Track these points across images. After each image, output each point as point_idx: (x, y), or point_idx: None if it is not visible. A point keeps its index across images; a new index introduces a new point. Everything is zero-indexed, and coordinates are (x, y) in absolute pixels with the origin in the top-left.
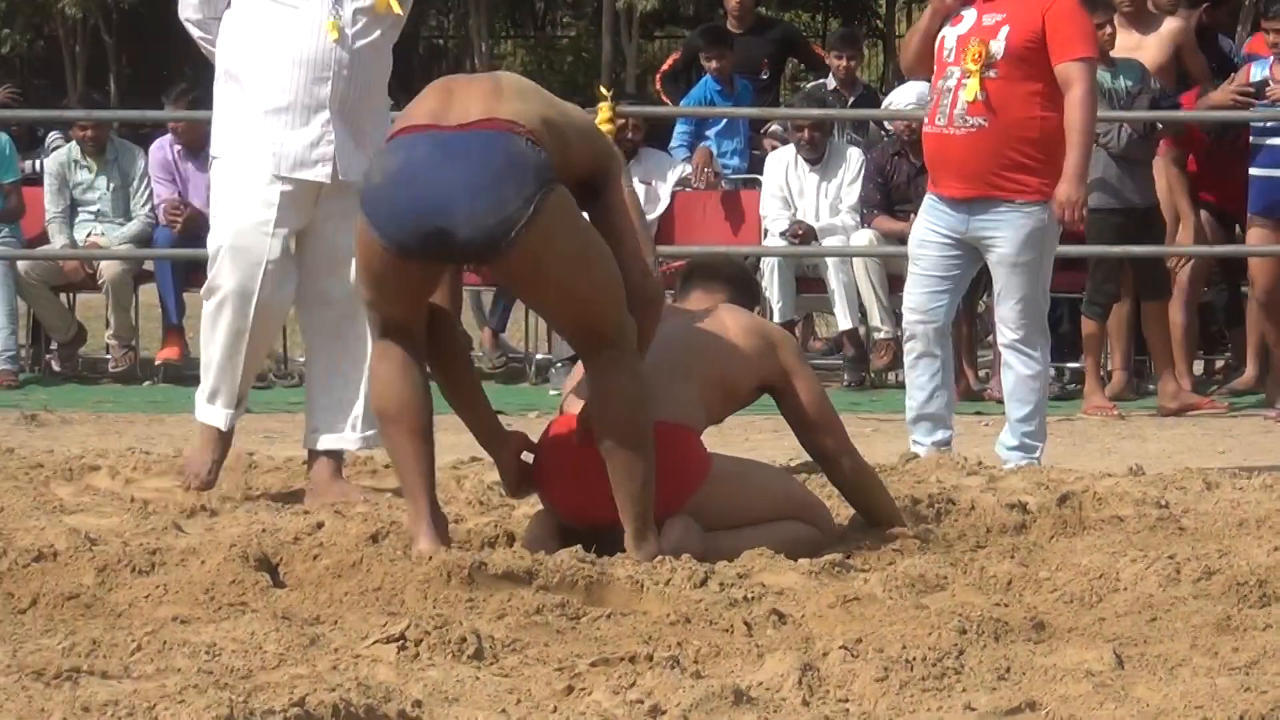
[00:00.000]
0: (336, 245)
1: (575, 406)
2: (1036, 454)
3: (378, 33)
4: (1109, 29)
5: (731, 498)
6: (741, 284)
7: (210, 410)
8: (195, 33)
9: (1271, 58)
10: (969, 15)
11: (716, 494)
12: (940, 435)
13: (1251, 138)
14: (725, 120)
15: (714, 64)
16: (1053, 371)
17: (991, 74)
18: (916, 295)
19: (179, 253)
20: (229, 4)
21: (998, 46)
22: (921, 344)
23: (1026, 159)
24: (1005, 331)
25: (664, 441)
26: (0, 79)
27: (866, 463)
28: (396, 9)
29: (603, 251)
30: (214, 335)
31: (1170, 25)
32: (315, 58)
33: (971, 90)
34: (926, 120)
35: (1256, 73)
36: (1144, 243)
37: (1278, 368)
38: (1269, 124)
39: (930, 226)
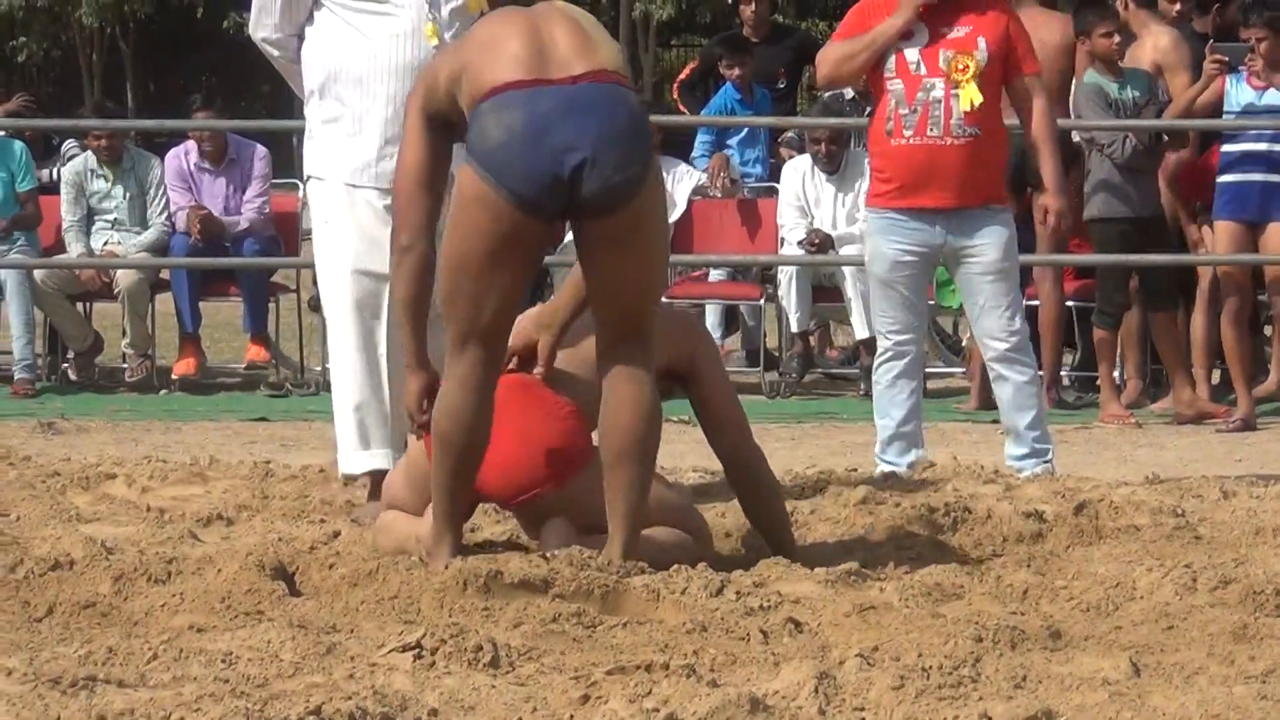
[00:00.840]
0: None
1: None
2: (1049, 457)
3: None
4: (1116, 38)
5: (593, 495)
6: None
7: (368, 457)
8: (272, 53)
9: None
10: (919, 30)
11: (592, 488)
12: (914, 455)
13: (1223, 145)
14: (747, 129)
15: (735, 71)
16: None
17: (977, 84)
18: (898, 317)
19: (196, 261)
20: (310, 19)
21: (981, 57)
22: (901, 365)
23: (1000, 168)
24: (994, 344)
25: (557, 422)
26: (16, 88)
27: (768, 471)
28: (487, 6)
29: (668, 243)
30: (348, 376)
31: (1158, 41)
32: (416, 64)
33: (966, 99)
34: (908, 132)
35: (1231, 85)
36: (1150, 252)
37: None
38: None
39: (902, 246)
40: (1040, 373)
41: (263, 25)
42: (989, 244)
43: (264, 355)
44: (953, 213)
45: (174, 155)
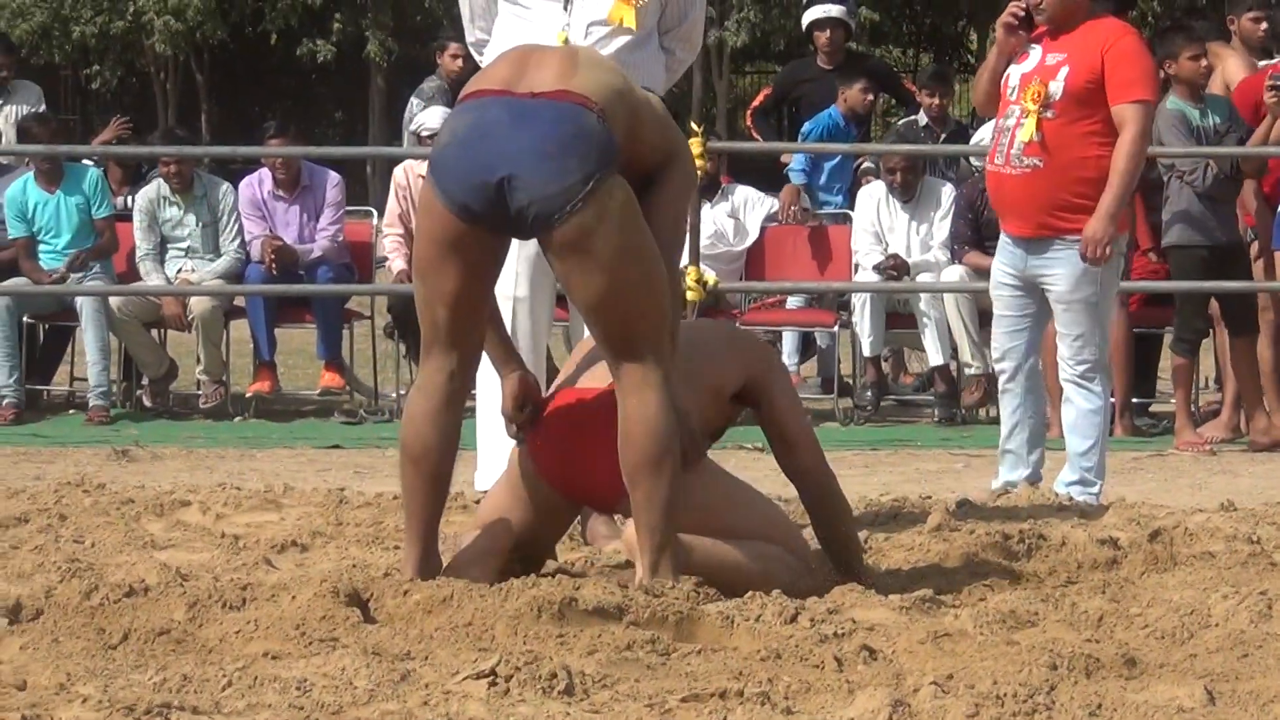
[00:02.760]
0: None
1: (586, 379)
2: (1095, 490)
3: (615, 47)
4: (1203, 62)
5: (709, 495)
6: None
7: None
8: (479, 58)
9: None
10: (1034, 53)
11: (696, 487)
12: (1016, 474)
13: None
14: (839, 157)
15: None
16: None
17: (1049, 114)
18: (996, 335)
19: (271, 289)
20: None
21: (1056, 87)
22: (1002, 383)
23: (1081, 199)
24: (1065, 367)
25: None
26: (92, 116)
27: (840, 492)
28: (630, 23)
29: (655, 254)
30: (494, 391)
31: (1231, 73)
32: None
33: (1028, 130)
34: (988, 159)
35: None
36: (1229, 279)
37: None
38: None
39: (1001, 266)
40: (1109, 406)
41: (469, 29)
42: (1059, 275)
43: (338, 382)
44: (1029, 241)
45: (247, 184)
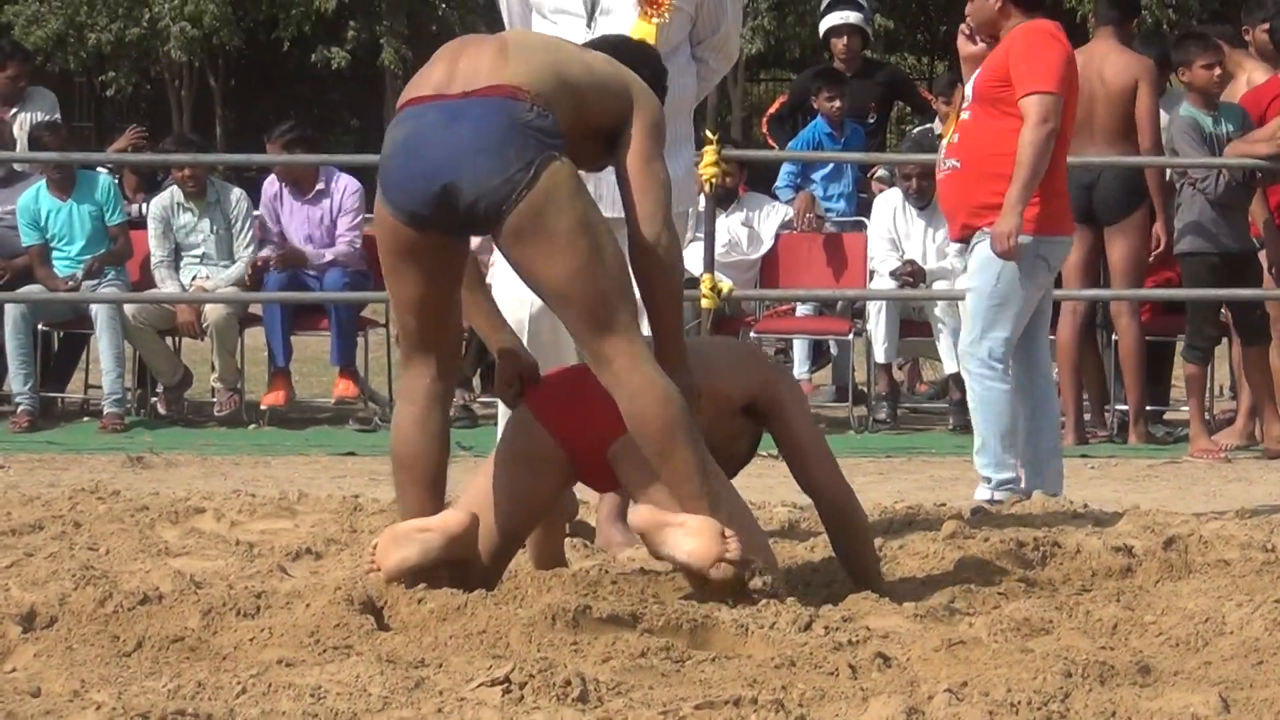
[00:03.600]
0: None
1: None
2: (993, 486)
3: None
4: (1216, 70)
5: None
6: None
7: None
8: None
9: None
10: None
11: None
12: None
13: None
14: (832, 164)
15: (835, 104)
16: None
17: (965, 115)
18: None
19: (287, 295)
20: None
21: (969, 89)
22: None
23: (997, 196)
24: (961, 355)
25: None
26: (107, 123)
27: (856, 504)
28: (650, 41)
29: (606, 230)
30: None
31: (1253, 78)
32: None
33: (948, 132)
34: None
35: None
36: (1241, 287)
37: None
38: None
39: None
40: (1008, 400)
41: None
42: (970, 264)
43: (353, 391)
44: (962, 242)
45: (270, 181)
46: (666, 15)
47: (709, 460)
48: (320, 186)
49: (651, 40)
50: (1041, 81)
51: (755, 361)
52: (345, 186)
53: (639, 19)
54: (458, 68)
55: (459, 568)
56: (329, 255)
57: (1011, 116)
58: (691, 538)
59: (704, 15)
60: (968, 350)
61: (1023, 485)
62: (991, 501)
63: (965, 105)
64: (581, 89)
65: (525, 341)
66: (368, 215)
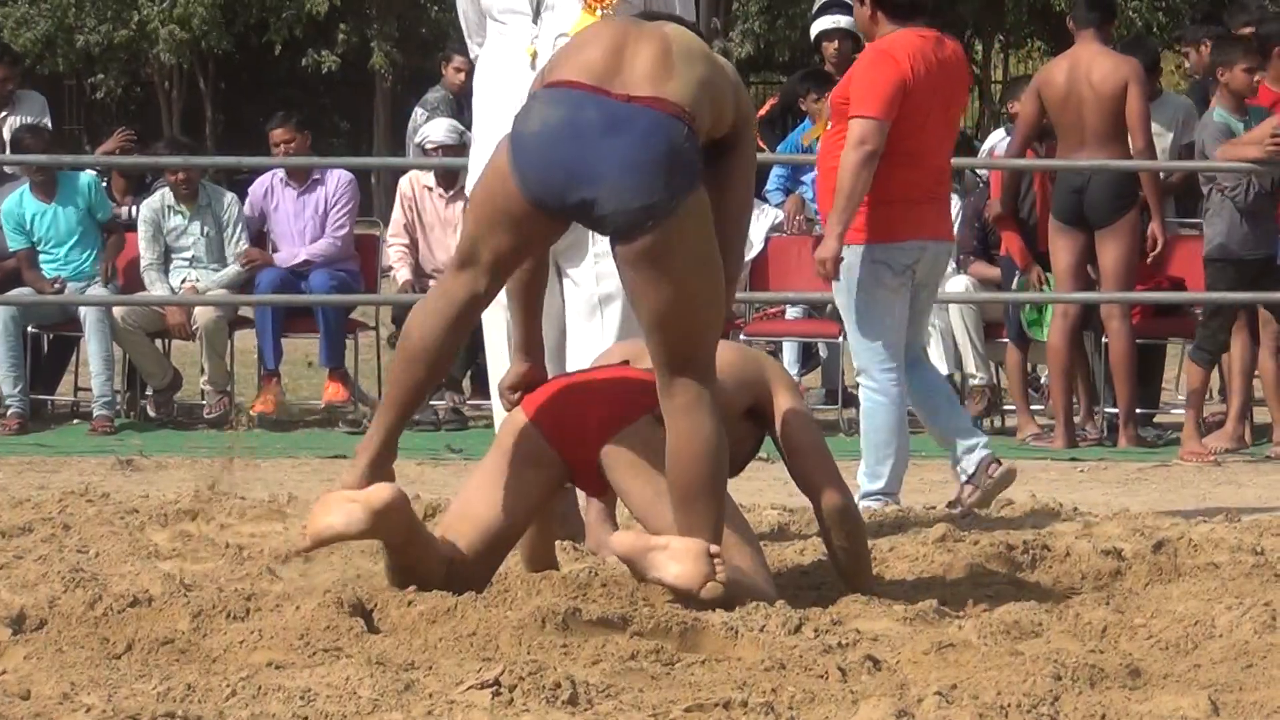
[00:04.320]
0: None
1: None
2: (860, 496)
3: None
4: (1256, 75)
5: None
6: None
7: None
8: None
9: None
10: None
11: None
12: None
13: None
14: None
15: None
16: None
17: (829, 126)
18: None
19: (277, 298)
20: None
21: (827, 103)
22: None
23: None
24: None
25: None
26: (96, 125)
27: (851, 506)
28: None
29: (719, 267)
30: None
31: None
32: (515, 85)
33: (812, 140)
34: None
35: None
36: (1261, 291)
37: None
38: None
39: None
40: (890, 409)
41: (473, 45)
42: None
43: (343, 395)
44: None
45: (260, 181)
46: (611, 8)
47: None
48: (316, 176)
49: None
50: (866, 106)
51: (757, 365)
52: (339, 177)
53: (583, 12)
54: (622, 59)
55: (395, 550)
56: (303, 254)
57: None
58: (678, 561)
59: (654, 11)
60: (855, 365)
61: (898, 498)
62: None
63: (828, 119)
64: (718, 98)
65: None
66: (362, 218)
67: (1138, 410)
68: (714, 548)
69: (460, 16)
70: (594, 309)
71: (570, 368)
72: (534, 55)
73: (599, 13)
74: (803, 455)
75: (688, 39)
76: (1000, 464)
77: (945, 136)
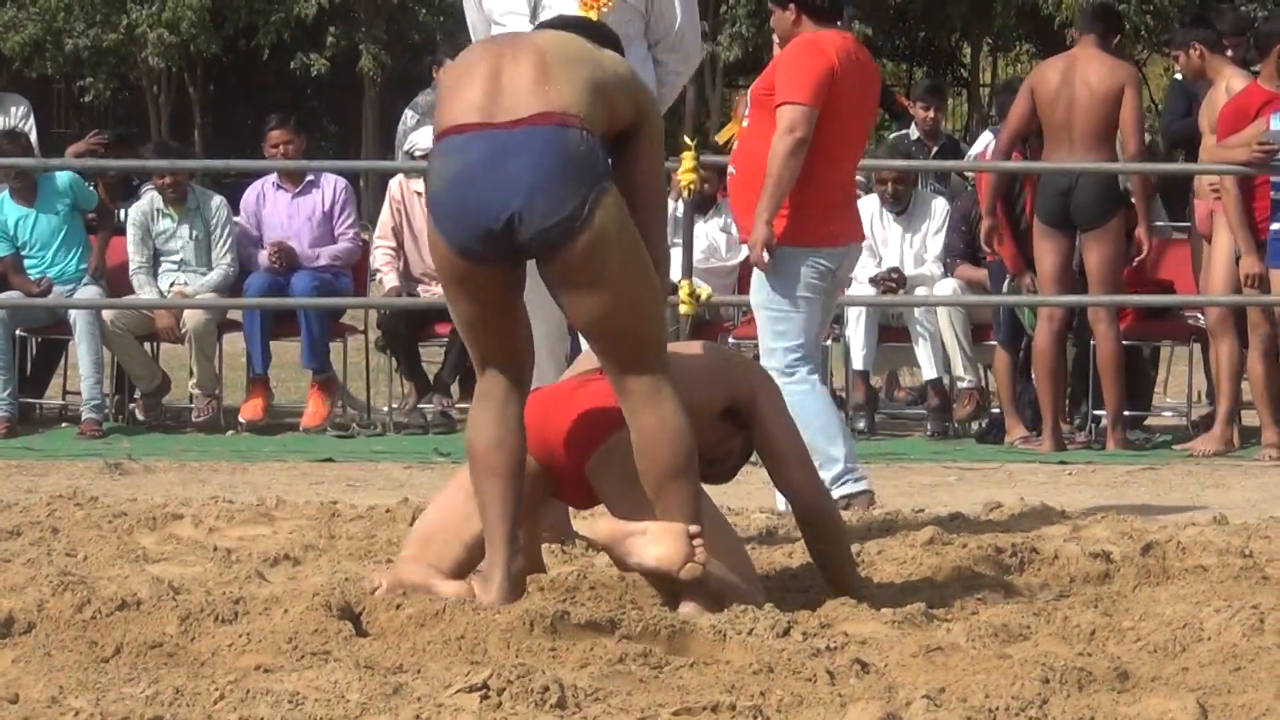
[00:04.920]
0: None
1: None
2: (831, 483)
3: None
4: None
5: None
6: None
7: None
8: None
9: None
10: None
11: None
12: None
13: (1274, 193)
14: None
15: (738, 101)
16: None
17: (745, 123)
18: None
19: (266, 301)
20: None
21: (747, 95)
22: None
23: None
24: None
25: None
26: (86, 128)
27: (833, 511)
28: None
29: (649, 262)
30: None
31: (1231, 85)
32: None
33: (729, 138)
34: None
35: (1276, 123)
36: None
37: None
38: None
39: None
40: (815, 408)
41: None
42: (753, 274)
43: (320, 418)
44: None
45: (253, 188)
46: (608, 7)
47: (703, 494)
48: (310, 178)
49: None
50: (795, 93)
51: (732, 365)
52: (336, 182)
53: (579, 9)
54: (500, 87)
55: None
56: (325, 257)
57: (774, 126)
58: (657, 544)
59: (655, 14)
60: (765, 363)
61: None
62: (848, 497)
63: (746, 113)
64: (610, 95)
65: None
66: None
67: (1128, 413)
68: (693, 528)
69: (470, 29)
70: None
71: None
72: None
73: (593, 12)
74: (780, 458)
75: (565, 43)
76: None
77: (859, 141)
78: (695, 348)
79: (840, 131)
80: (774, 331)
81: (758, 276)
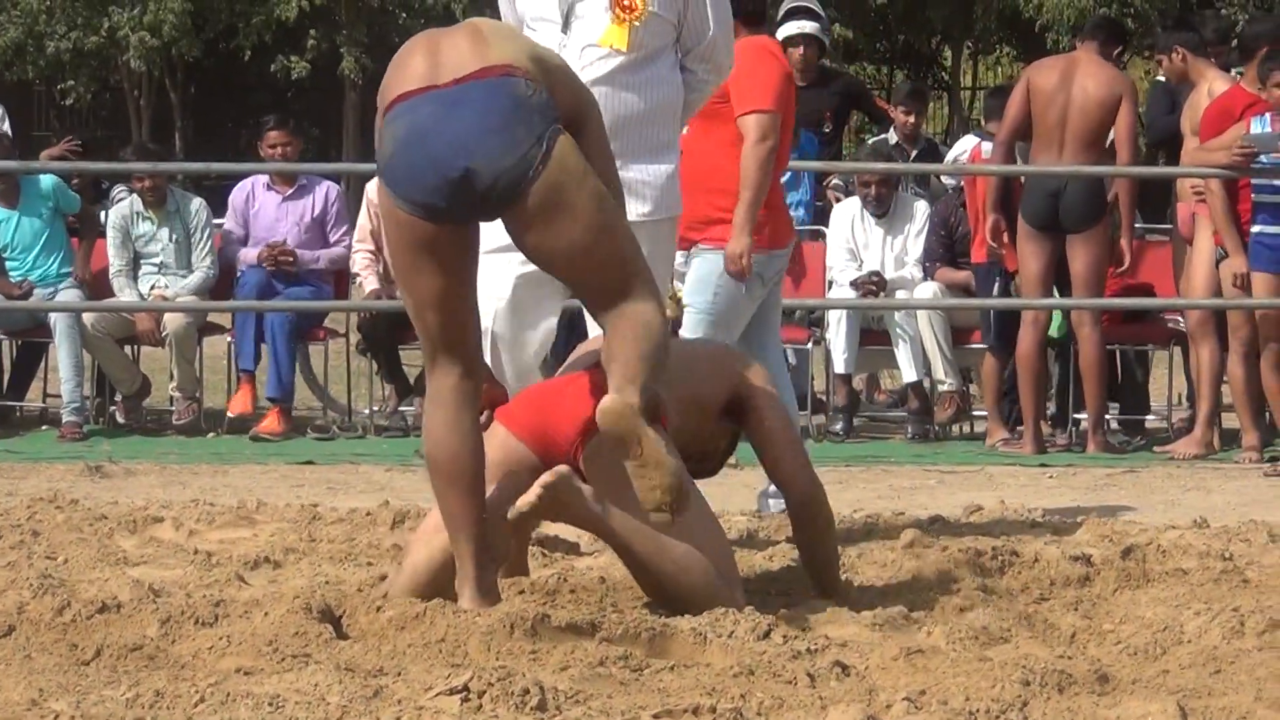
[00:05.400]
0: None
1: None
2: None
3: (609, 70)
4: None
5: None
6: None
7: None
8: None
9: (1269, 114)
10: None
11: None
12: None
13: (1254, 195)
14: (789, 172)
15: None
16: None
17: (685, 129)
18: None
19: (249, 304)
20: None
21: None
22: None
23: (716, 209)
24: None
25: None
26: (66, 131)
27: (824, 508)
28: (620, 46)
29: (607, 192)
30: None
31: (1214, 87)
32: None
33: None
34: None
35: (1256, 127)
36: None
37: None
38: (1276, 182)
39: None
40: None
41: None
42: (689, 278)
43: (248, 405)
44: (685, 254)
45: (240, 187)
46: (640, 19)
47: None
48: (301, 183)
49: (622, 43)
50: (759, 100)
51: (730, 360)
52: (329, 189)
53: (611, 22)
54: (440, 59)
55: None
56: (323, 262)
57: (728, 130)
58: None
59: (688, 25)
60: None
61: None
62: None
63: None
64: (552, 71)
65: (486, 345)
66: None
67: (1122, 416)
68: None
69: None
70: None
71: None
72: None
73: (626, 23)
74: (776, 444)
75: (500, 24)
76: None
77: (788, 142)
78: (695, 346)
79: (784, 136)
80: (705, 332)
81: (701, 280)
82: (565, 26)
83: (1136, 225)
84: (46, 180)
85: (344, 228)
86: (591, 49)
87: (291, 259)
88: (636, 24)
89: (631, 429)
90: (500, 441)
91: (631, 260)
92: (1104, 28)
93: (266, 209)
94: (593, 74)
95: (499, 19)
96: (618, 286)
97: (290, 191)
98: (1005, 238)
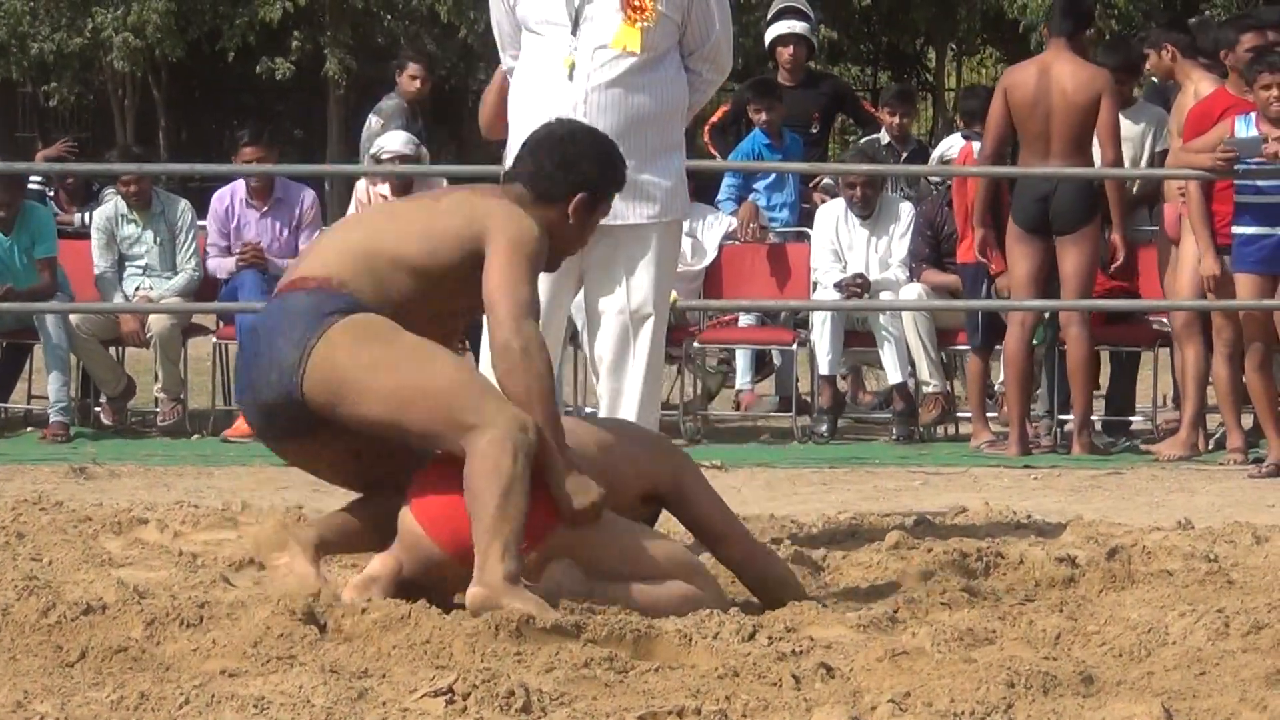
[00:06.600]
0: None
1: None
2: None
3: (620, 72)
4: (1275, 91)
5: (622, 545)
6: None
7: None
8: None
9: (1254, 115)
10: None
11: (607, 541)
12: None
13: (1237, 197)
14: (774, 174)
15: (763, 116)
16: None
17: None
18: None
19: (234, 305)
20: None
21: None
22: None
23: None
24: None
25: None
26: (50, 133)
27: (780, 572)
28: (633, 47)
29: (416, 351)
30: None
31: (1200, 89)
32: (552, 96)
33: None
34: None
35: (1240, 129)
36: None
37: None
38: (1259, 183)
39: None
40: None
41: (506, 56)
42: None
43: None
44: None
45: (219, 197)
46: (650, 20)
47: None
48: (279, 196)
49: (635, 44)
50: None
51: (658, 452)
52: (304, 198)
53: (623, 24)
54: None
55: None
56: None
57: None
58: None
59: (693, 26)
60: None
61: None
62: None
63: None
64: (401, 258)
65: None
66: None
67: (1111, 418)
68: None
69: (494, 27)
70: (626, 330)
71: (601, 392)
72: (571, 66)
73: (638, 24)
74: (717, 538)
75: (348, 221)
76: None
77: None
78: (624, 431)
79: None
80: None
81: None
82: (574, 29)
83: (1138, 228)
84: (45, 214)
85: (318, 230)
86: (603, 50)
87: (262, 256)
88: (648, 25)
89: (509, 608)
90: (420, 553)
91: (458, 395)
92: (1069, 15)
93: (248, 224)
94: (605, 76)
95: (489, 23)
96: (452, 427)
97: (267, 207)
98: (991, 252)
